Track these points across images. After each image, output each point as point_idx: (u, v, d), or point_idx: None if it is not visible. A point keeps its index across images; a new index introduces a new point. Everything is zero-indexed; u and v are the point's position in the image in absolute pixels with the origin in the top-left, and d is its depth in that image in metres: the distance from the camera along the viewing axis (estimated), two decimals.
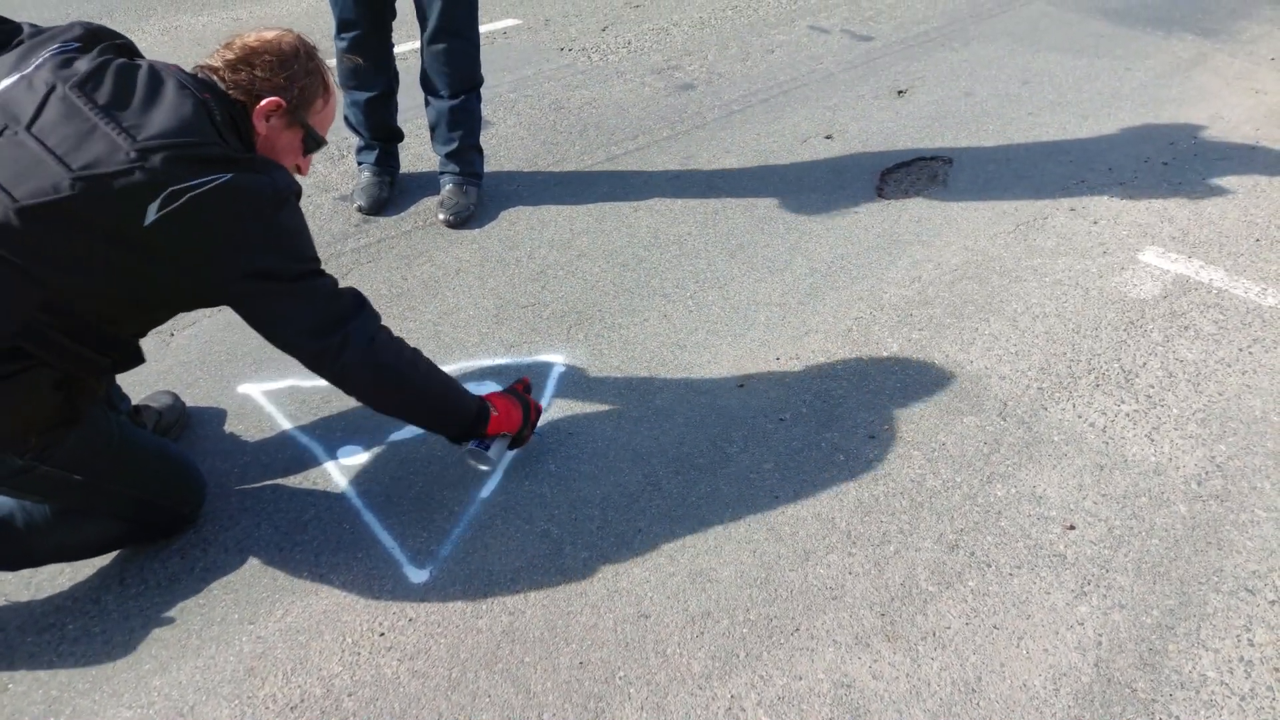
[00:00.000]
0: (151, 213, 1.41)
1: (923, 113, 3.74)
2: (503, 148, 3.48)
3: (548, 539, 1.88)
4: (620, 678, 1.61)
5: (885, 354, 2.39)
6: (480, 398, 1.88)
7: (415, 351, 1.77)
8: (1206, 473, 2.04)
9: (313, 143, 1.75)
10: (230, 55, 1.63)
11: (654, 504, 1.96)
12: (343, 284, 1.68)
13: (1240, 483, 2.01)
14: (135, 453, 1.74)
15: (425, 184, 3.18)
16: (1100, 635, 1.68)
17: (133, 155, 1.40)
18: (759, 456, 2.08)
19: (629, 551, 1.85)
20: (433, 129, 3.05)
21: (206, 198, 1.45)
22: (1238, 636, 1.69)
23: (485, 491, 1.99)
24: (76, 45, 1.55)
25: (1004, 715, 1.55)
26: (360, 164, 3.14)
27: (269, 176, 1.55)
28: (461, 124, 2.98)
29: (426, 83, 2.95)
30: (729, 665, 1.63)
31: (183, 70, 1.60)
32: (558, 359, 2.38)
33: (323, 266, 1.67)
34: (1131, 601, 1.75)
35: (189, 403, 2.21)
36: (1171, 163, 3.35)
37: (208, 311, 2.55)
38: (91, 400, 1.60)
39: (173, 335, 2.46)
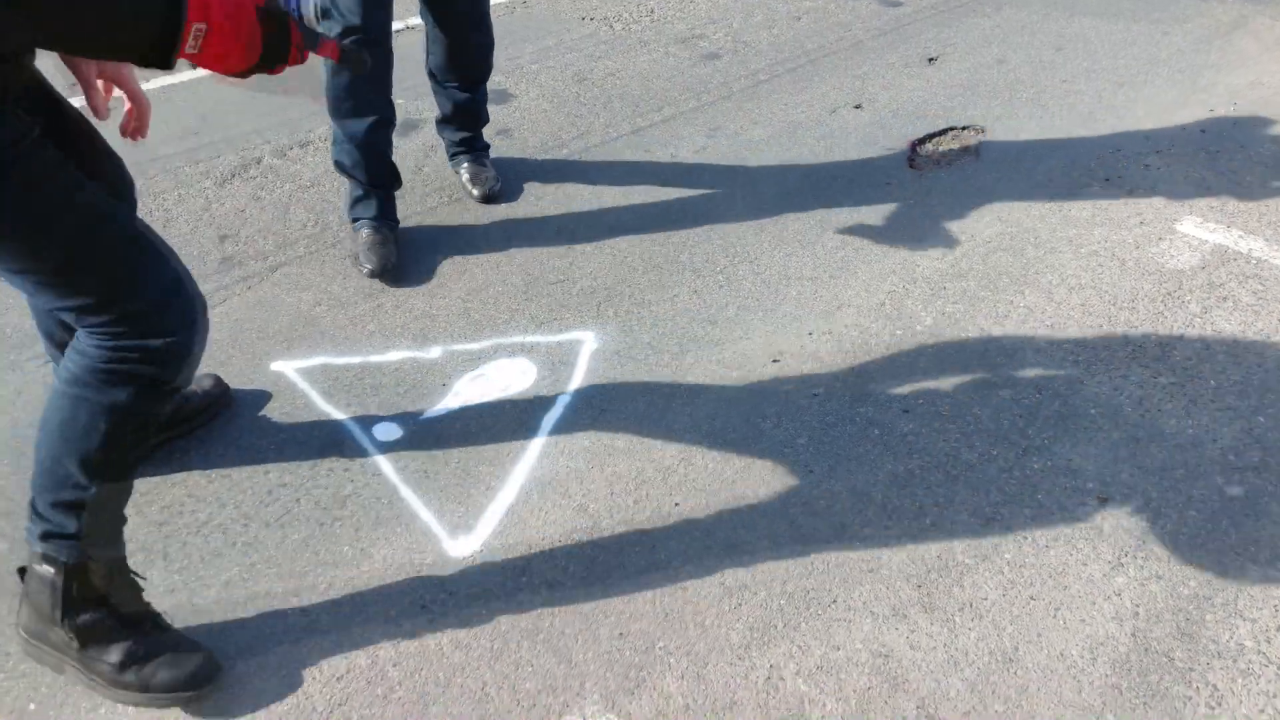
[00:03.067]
0: None
1: (954, 81, 3.69)
2: (526, 121, 3.47)
3: (584, 513, 1.90)
4: (660, 648, 1.63)
5: (919, 327, 2.38)
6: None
7: None
8: (1244, 445, 2.02)
9: None
10: None
11: (689, 479, 1.97)
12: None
13: (1279, 455, 1.99)
14: (93, 217, 1.36)
15: (435, 160, 3.18)
16: (1137, 605, 1.68)
17: None
18: (793, 431, 2.08)
19: (665, 525, 1.86)
20: (445, 118, 2.96)
21: None
22: (1276, 607, 1.68)
23: (522, 466, 2.01)
24: None
25: (1041, 684, 1.56)
26: (356, 220, 2.66)
27: None
28: (479, 113, 2.96)
29: (445, 73, 2.81)
30: (767, 636, 1.65)
31: None
32: (588, 335, 2.39)
33: None
34: (1168, 572, 1.74)
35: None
36: (1209, 130, 3.28)
37: (236, 290, 2.58)
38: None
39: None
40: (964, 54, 3.93)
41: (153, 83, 3.71)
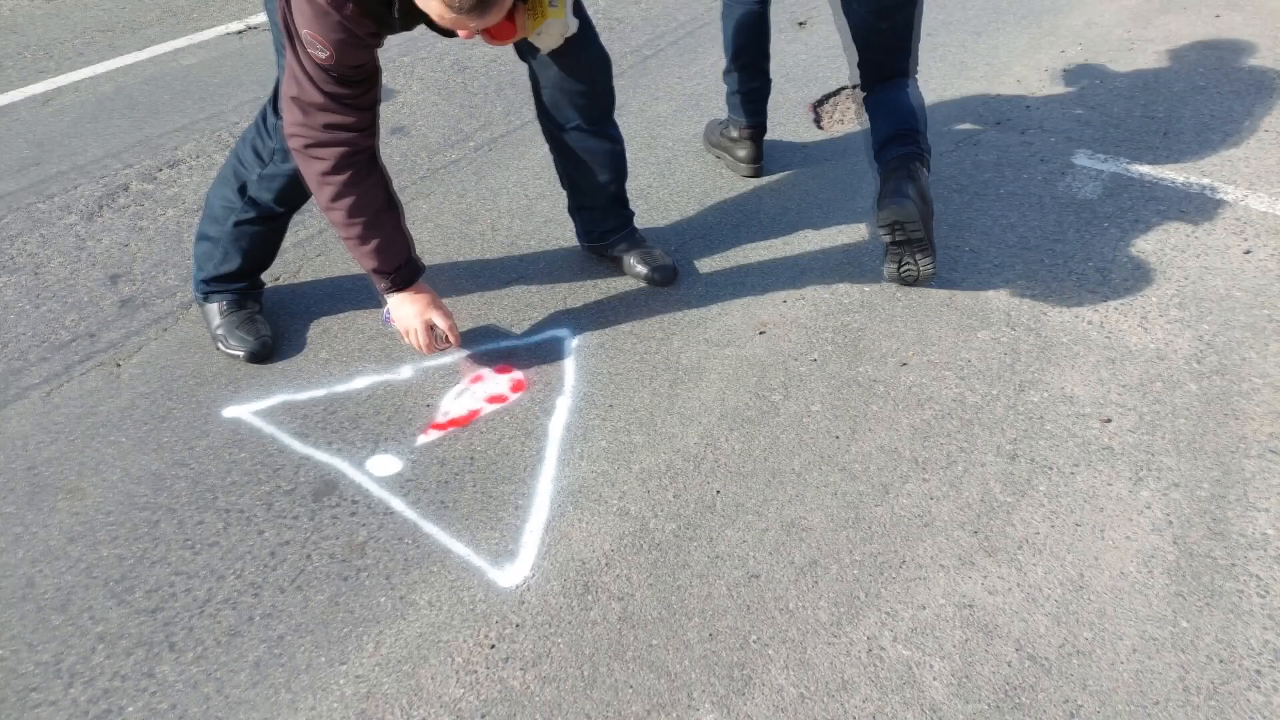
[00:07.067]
0: None
1: (830, 42, 3.78)
2: (420, 117, 3.26)
3: (628, 517, 1.80)
4: (754, 641, 1.58)
5: (882, 281, 2.42)
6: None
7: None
8: (1201, 352, 2.19)
9: None
10: None
11: (720, 463, 1.91)
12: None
13: (1231, 356, 2.18)
14: None
15: None
16: (1169, 515, 1.79)
17: None
18: (805, 400, 2.07)
19: (714, 515, 1.80)
20: (579, 208, 2.43)
21: None
22: (1279, 494, 1.84)
23: (544, 479, 1.88)
24: None
25: (1115, 604, 1.63)
26: (212, 295, 2.18)
27: None
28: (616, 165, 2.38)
29: (550, 120, 2.35)
30: (854, 609, 1.63)
31: None
32: (565, 332, 2.28)
33: None
34: (1183, 480, 1.87)
35: (170, 438, 1.97)
36: (1069, 69, 3.54)
37: (151, 334, 2.27)
38: None
39: (119, 366, 2.17)
40: (829, 17, 4.03)
41: None
